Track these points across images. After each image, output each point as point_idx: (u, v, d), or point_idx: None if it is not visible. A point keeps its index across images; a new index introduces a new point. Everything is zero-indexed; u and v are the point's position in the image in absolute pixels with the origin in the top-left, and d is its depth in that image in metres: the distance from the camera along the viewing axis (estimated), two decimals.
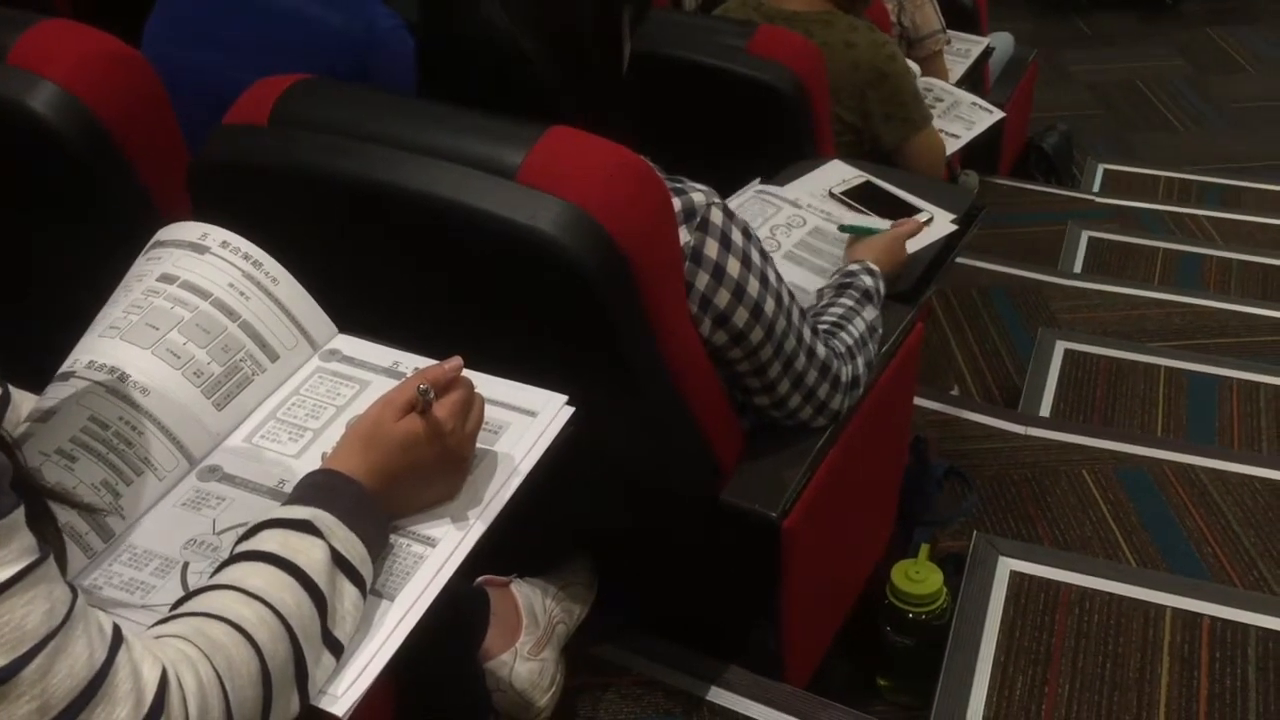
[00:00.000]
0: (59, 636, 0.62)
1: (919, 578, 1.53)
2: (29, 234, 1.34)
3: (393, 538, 0.86)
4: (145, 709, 0.65)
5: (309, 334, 1.00)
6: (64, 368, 0.92)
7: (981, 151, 2.82)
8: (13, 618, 0.61)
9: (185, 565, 0.84)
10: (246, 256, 0.97)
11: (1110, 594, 1.61)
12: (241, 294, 0.96)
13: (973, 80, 2.83)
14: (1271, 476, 1.89)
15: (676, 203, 1.06)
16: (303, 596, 0.75)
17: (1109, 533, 1.79)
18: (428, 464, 0.86)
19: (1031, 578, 1.64)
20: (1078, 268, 2.86)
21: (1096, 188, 3.56)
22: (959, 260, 1.69)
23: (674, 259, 1.06)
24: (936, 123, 2.29)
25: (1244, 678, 1.49)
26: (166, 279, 0.95)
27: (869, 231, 1.50)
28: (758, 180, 1.63)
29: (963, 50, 2.83)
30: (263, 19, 1.55)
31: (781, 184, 1.64)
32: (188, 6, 1.62)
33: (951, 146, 2.35)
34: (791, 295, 1.18)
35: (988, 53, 2.93)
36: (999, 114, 2.51)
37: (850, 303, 1.33)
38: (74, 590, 0.66)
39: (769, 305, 1.13)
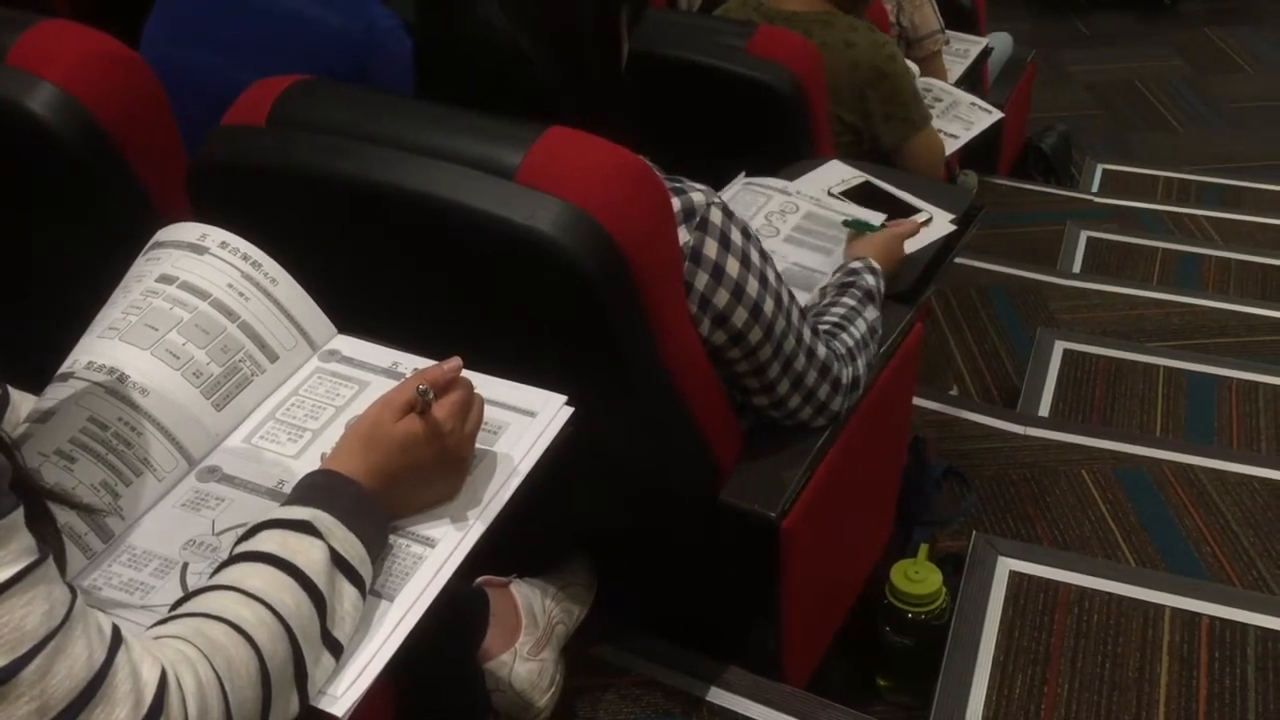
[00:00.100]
0: (58, 637, 0.62)
1: (918, 578, 1.53)
2: (28, 235, 1.34)
3: (392, 538, 0.86)
4: (144, 709, 0.65)
5: (308, 334, 1.00)
6: (63, 368, 0.92)
7: (980, 152, 2.82)
8: (12, 618, 0.61)
9: (184, 566, 0.84)
10: (245, 257, 0.97)
11: (1109, 594, 1.61)
12: (240, 294, 0.96)
13: (971, 80, 2.83)
14: (1270, 476, 1.89)
15: (676, 202, 1.06)
16: (302, 597, 0.75)
17: (1108, 532, 1.80)
18: (427, 464, 0.86)
19: (1030, 578, 1.64)
20: (1077, 268, 2.86)
21: (1095, 188, 3.57)
22: (958, 260, 1.69)
23: (673, 259, 1.06)
24: (935, 123, 2.29)
25: (1243, 677, 1.49)
26: (165, 279, 0.95)
27: (868, 227, 1.50)
28: (744, 173, 1.63)
29: (961, 50, 2.83)
30: (262, 20, 1.55)
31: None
32: (186, 7, 1.62)
33: (950, 147, 2.35)
34: (792, 296, 1.18)
35: (986, 53, 2.93)
36: (998, 114, 2.51)
37: (853, 302, 1.34)
38: (73, 591, 0.66)
39: (768, 305, 1.13)
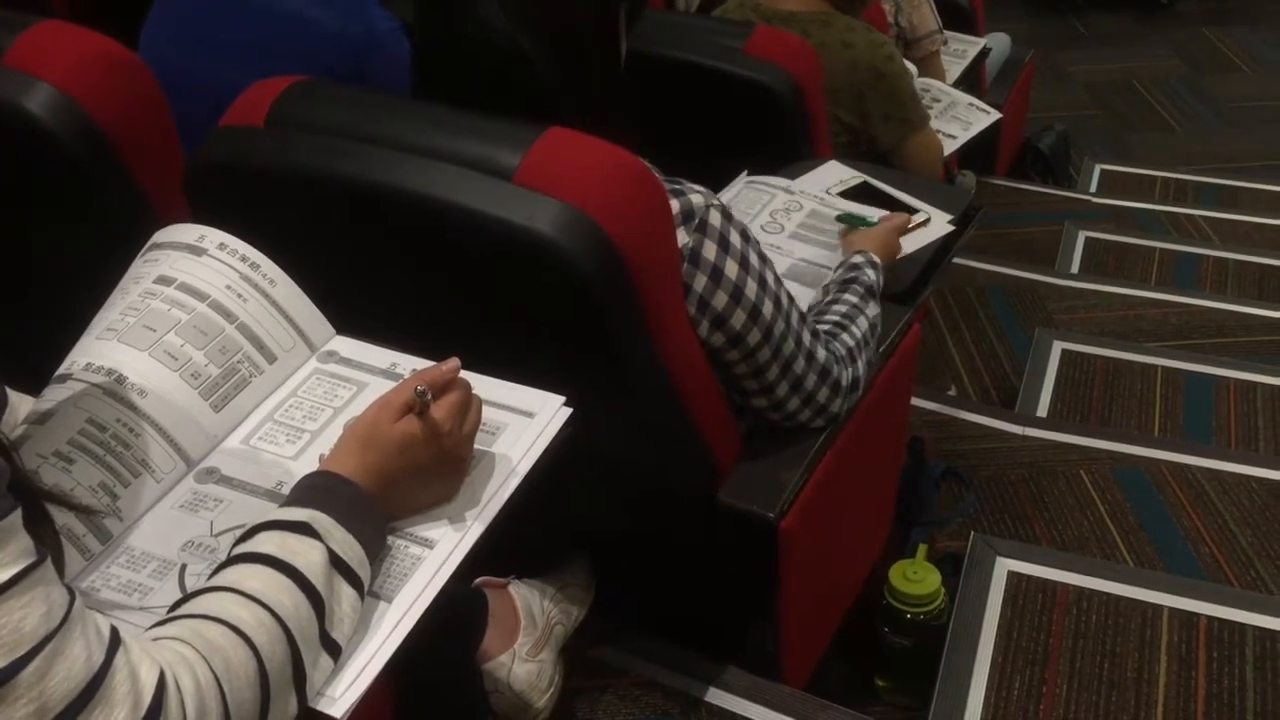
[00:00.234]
0: (57, 639, 0.62)
1: (917, 578, 1.53)
2: (26, 236, 1.34)
3: (390, 539, 0.86)
4: (143, 711, 0.65)
5: (306, 336, 1.00)
6: (61, 370, 0.92)
7: (979, 152, 2.82)
8: (10, 620, 0.61)
9: (183, 567, 0.84)
10: (244, 258, 0.97)
11: (1108, 594, 1.61)
12: (239, 296, 0.96)
13: (969, 81, 2.83)
14: (1268, 476, 1.90)
15: (675, 204, 1.06)
16: (300, 598, 0.75)
17: (1106, 533, 1.80)
18: (425, 465, 0.86)
19: (1029, 578, 1.64)
20: (1075, 268, 2.86)
21: (1093, 188, 3.57)
22: (956, 260, 1.69)
23: (672, 260, 1.06)
24: (933, 123, 2.29)
25: (1241, 677, 1.49)
26: (164, 281, 0.95)
27: (863, 221, 1.50)
28: (745, 172, 1.63)
29: (959, 51, 2.83)
30: (261, 21, 1.55)
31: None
32: (185, 8, 1.61)
33: (949, 147, 2.35)
34: (791, 299, 1.18)
35: (984, 53, 2.93)
36: (996, 115, 2.51)
37: (854, 299, 1.33)
38: (72, 592, 0.66)
39: (767, 308, 1.13)
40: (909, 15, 2.59)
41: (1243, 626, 1.56)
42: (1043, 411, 2.16)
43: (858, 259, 1.39)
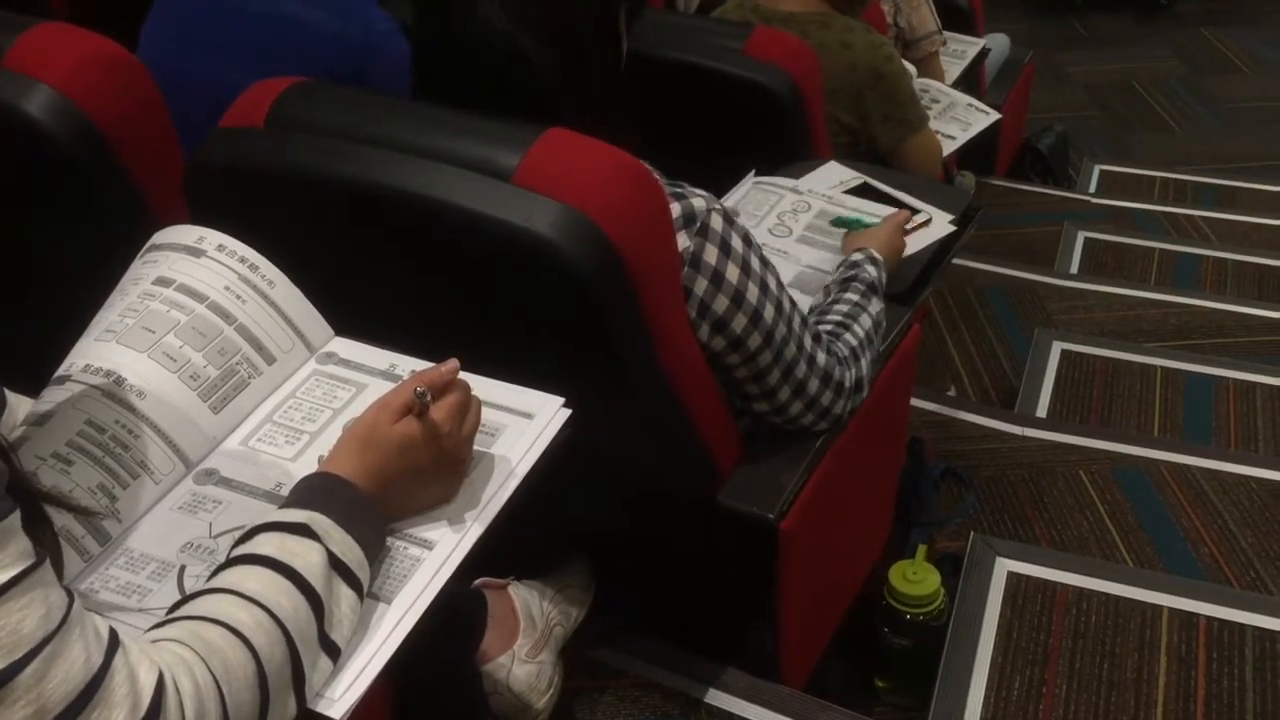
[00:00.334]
0: (55, 641, 0.62)
1: (916, 579, 1.53)
2: (25, 237, 1.34)
3: (390, 540, 0.86)
4: (142, 712, 0.65)
5: (305, 337, 1.00)
6: (60, 371, 0.92)
7: (978, 153, 2.82)
8: (9, 622, 0.61)
9: (182, 569, 0.84)
10: (243, 260, 0.97)
11: (1107, 594, 1.61)
12: (238, 297, 0.96)
13: (968, 82, 2.83)
14: (1268, 476, 1.90)
15: (676, 207, 1.06)
16: (299, 600, 0.75)
17: (1106, 533, 1.80)
18: (424, 467, 0.86)
19: (1029, 578, 1.64)
20: (1074, 268, 2.86)
21: (1092, 188, 3.57)
22: (955, 261, 1.69)
23: (671, 262, 1.06)
24: (932, 124, 2.29)
25: (1241, 678, 1.49)
26: (162, 282, 0.95)
27: (859, 224, 1.50)
28: (753, 172, 1.63)
29: (958, 52, 2.83)
30: (260, 22, 1.55)
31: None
32: (185, 9, 1.61)
33: (948, 148, 2.35)
34: (793, 303, 1.18)
35: (983, 54, 2.93)
36: (995, 115, 2.51)
37: (856, 297, 1.33)
38: (70, 594, 0.66)
39: (768, 312, 1.13)
40: (908, 16, 2.59)
41: (1242, 627, 1.56)
42: (1042, 412, 2.16)
43: (857, 256, 1.39)
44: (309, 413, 0.95)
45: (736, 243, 1.10)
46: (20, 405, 0.94)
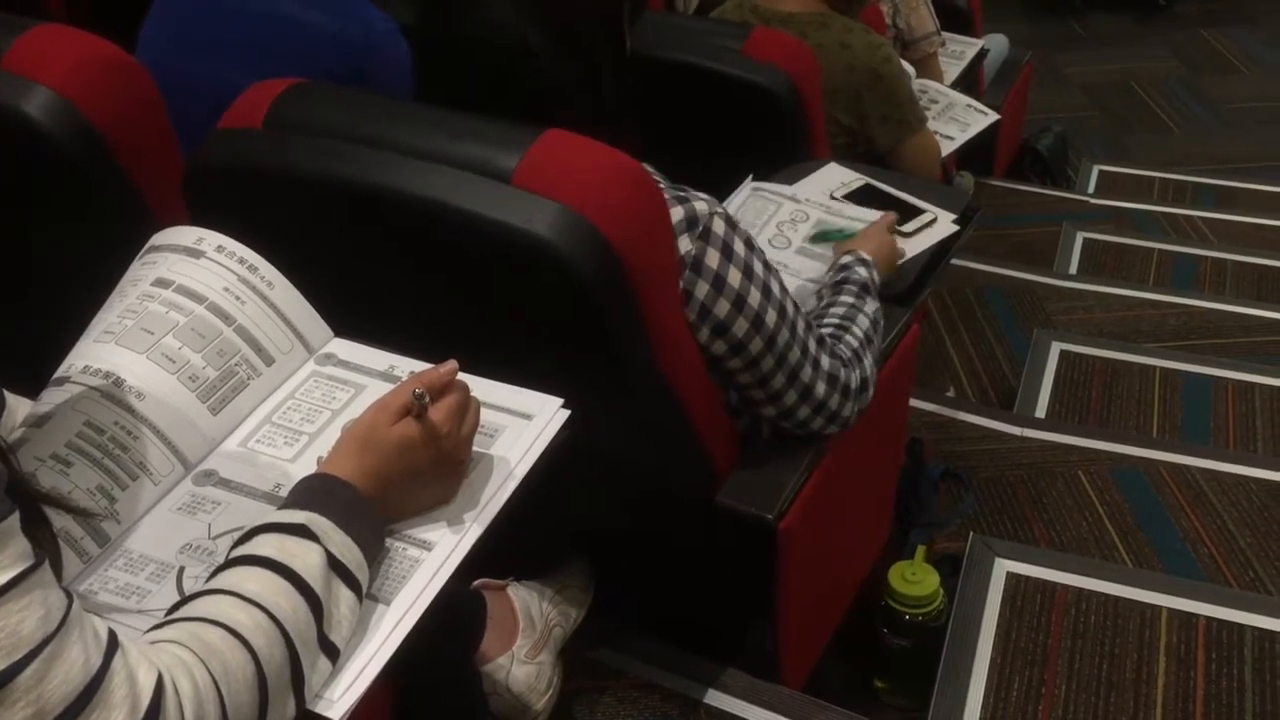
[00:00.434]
0: (54, 642, 0.62)
1: (915, 579, 1.53)
2: (24, 238, 1.34)
3: (389, 541, 0.86)
4: (141, 714, 0.65)
5: (304, 338, 1.00)
6: (59, 373, 0.92)
7: (977, 153, 2.82)
8: (8, 623, 0.61)
9: (181, 570, 0.84)
10: (242, 261, 0.97)
11: (1106, 594, 1.61)
12: (237, 298, 0.96)
13: (967, 82, 2.83)
14: (1267, 477, 1.90)
15: (679, 211, 1.06)
16: (299, 601, 0.75)
17: (1105, 533, 1.80)
18: (423, 468, 0.86)
19: (1028, 579, 1.64)
20: (1073, 269, 2.86)
21: (1091, 189, 3.57)
22: (954, 262, 1.69)
23: (670, 262, 1.06)
24: (931, 125, 2.29)
25: (1240, 678, 1.49)
26: (161, 283, 0.95)
27: (840, 235, 1.50)
28: (750, 177, 1.63)
29: (957, 52, 2.83)
30: (259, 23, 1.55)
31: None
32: (184, 9, 1.62)
33: (946, 148, 2.35)
34: (797, 307, 1.18)
35: (982, 54, 2.93)
36: (994, 116, 2.51)
37: (850, 299, 1.33)
38: (69, 596, 0.66)
39: (770, 317, 1.13)
40: (907, 17, 2.59)
41: (1241, 627, 1.56)
42: (1041, 412, 2.16)
43: (847, 259, 1.38)
44: (308, 414, 0.95)
45: (739, 247, 1.10)
46: (19, 406, 0.94)
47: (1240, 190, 3.50)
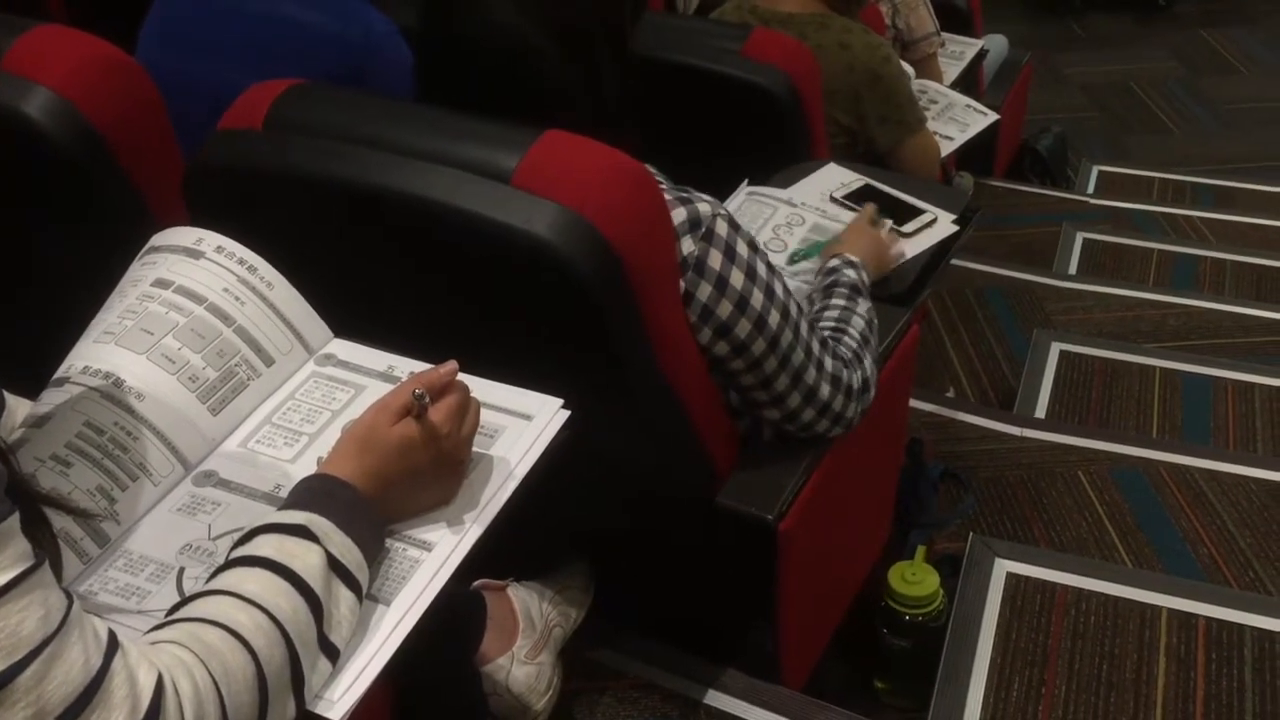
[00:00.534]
0: (54, 643, 0.62)
1: (915, 580, 1.53)
2: (24, 239, 1.34)
3: (389, 542, 0.86)
4: (141, 714, 0.65)
5: (304, 338, 1.00)
6: (59, 373, 0.92)
7: (976, 154, 2.82)
8: (8, 624, 0.61)
9: (181, 571, 0.84)
10: (241, 261, 0.97)
11: (1106, 595, 1.61)
12: (236, 299, 0.96)
13: (967, 83, 2.83)
14: (1266, 477, 1.90)
15: (681, 212, 1.06)
16: (299, 601, 0.75)
17: (1105, 534, 1.80)
18: (423, 468, 0.86)
19: (1027, 579, 1.64)
20: (1073, 269, 2.86)
21: (1091, 189, 3.57)
22: (954, 262, 1.69)
23: (670, 262, 1.06)
24: (931, 125, 2.29)
25: (1240, 678, 1.49)
26: (161, 284, 0.95)
27: (817, 247, 1.50)
28: (746, 182, 1.63)
29: (957, 53, 2.83)
30: (259, 24, 1.55)
31: (779, 187, 1.64)
32: (184, 10, 1.62)
33: (946, 149, 2.35)
34: (800, 309, 1.17)
35: (982, 55, 2.93)
36: (993, 116, 2.51)
37: (842, 301, 1.33)
38: (69, 596, 0.66)
39: (773, 318, 1.13)
40: (906, 17, 2.59)
41: (1241, 627, 1.56)
42: (1041, 413, 2.16)
43: (833, 262, 1.38)
44: (308, 414, 0.95)
45: (742, 248, 1.10)
46: (19, 407, 0.94)
47: (1239, 190, 3.51)
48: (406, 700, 1.05)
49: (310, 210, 1.10)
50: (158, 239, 1.00)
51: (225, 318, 0.95)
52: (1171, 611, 1.58)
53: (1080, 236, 2.98)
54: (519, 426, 0.94)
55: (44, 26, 1.24)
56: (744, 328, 1.11)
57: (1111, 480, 1.90)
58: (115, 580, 0.83)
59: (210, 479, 0.90)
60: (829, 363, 1.21)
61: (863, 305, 1.33)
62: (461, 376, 0.90)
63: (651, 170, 1.08)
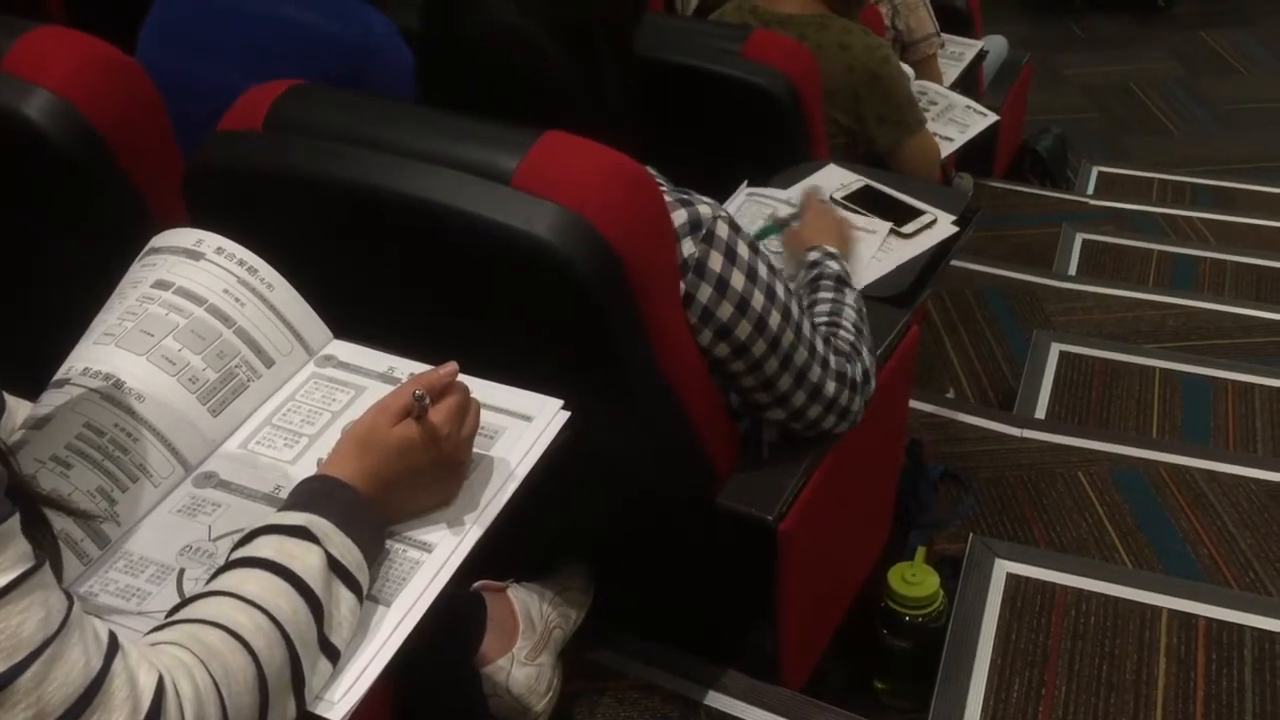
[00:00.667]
0: (55, 644, 0.62)
1: (915, 580, 1.53)
2: (24, 240, 1.34)
3: (389, 543, 0.86)
4: (142, 715, 0.65)
5: (304, 340, 1.00)
6: (59, 374, 0.92)
7: (976, 154, 2.82)
8: (8, 625, 0.61)
9: (181, 572, 0.84)
10: (241, 262, 0.97)
11: (1106, 595, 1.61)
12: (237, 300, 0.96)
13: (966, 83, 2.83)
14: (1266, 478, 1.90)
15: (682, 214, 1.06)
16: (299, 603, 0.75)
17: (1105, 534, 1.80)
18: (423, 469, 0.86)
19: (1027, 580, 1.64)
20: (1072, 270, 2.86)
21: (1090, 190, 3.57)
22: (954, 263, 1.69)
23: (669, 263, 1.06)
24: (930, 126, 2.29)
25: (1240, 679, 1.49)
26: (161, 285, 0.95)
27: (782, 225, 1.49)
28: (746, 182, 1.63)
29: (956, 54, 2.83)
30: (258, 24, 1.55)
31: (779, 188, 1.64)
32: (184, 11, 1.62)
33: (946, 150, 2.35)
34: (802, 309, 1.17)
35: (981, 56, 2.93)
36: (993, 117, 2.51)
37: (830, 294, 1.32)
38: (70, 597, 0.66)
39: (774, 319, 1.12)
40: (906, 18, 2.59)
41: (1241, 628, 1.56)
42: (1041, 413, 2.16)
43: (813, 255, 1.37)
44: (308, 415, 0.95)
45: (743, 250, 1.10)
46: (19, 408, 0.94)
47: (1239, 191, 3.51)
48: (407, 701, 1.05)
49: (310, 211, 1.10)
50: (158, 240, 1.00)
51: (225, 319, 0.95)
52: (1171, 612, 1.58)
53: (1080, 237, 2.98)
54: (519, 427, 0.94)
55: (44, 27, 1.24)
56: (744, 329, 1.11)
57: (1111, 481, 1.90)
58: (116, 581, 0.83)
59: (210, 480, 0.90)
60: (832, 359, 1.21)
61: (850, 296, 1.33)
62: (461, 377, 0.90)
63: (652, 172, 1.08)
